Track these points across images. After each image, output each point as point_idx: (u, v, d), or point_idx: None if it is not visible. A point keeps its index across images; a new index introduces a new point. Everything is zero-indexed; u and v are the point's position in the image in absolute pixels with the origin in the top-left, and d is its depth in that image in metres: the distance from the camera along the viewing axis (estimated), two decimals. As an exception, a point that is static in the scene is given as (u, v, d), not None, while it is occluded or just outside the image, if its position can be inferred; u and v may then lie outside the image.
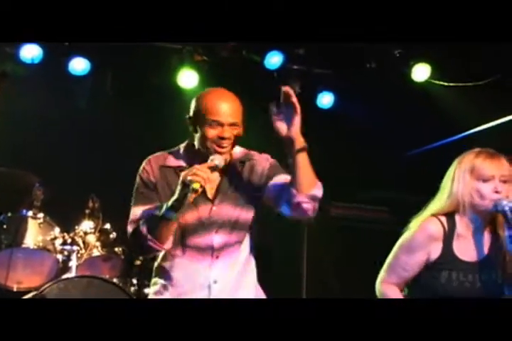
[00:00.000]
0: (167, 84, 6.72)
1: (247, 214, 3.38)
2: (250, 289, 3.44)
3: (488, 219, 3.38)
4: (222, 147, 3.26)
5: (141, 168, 3.39)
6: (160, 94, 6.77)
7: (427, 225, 3.39)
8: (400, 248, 3.44)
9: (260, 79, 6.63)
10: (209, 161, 3.21)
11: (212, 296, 3.31)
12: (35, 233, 5.69)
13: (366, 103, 6.83)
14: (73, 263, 5.59)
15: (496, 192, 3.29)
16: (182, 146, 3.44)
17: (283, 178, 3.34)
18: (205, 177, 3.12)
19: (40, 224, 5.72)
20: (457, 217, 3.39)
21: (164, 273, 3.39)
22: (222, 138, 3.25)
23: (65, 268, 5.64)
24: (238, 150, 3.45)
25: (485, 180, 3.31)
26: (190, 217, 3.30)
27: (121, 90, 6.74)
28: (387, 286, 3.46)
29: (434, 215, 3.41)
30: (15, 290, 5.60)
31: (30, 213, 5.72)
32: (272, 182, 3.36)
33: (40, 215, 5.73)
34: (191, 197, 3.12)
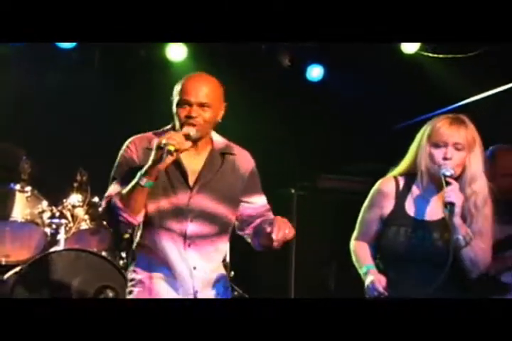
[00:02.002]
0: (155, 57, 6.68)
1: (225, 210, 3.42)
2: (221, 286, 3.48)
3: (440, 184, 3.44)
4: (192, 126, 3.29)
5: (125, 147, 3.41)
6: (148, 67, 6.73)
7: (381, 184, 3.58)
8: (363, 206, 3.63)
9: (249, 52, 6.60)
10: (183, 129, 3.26)
11: (193, 283, 3.36)
12: (22, 206, 5.67)
13: (356, 75, 6.80)
14: (61, 236, 5.59)
15: (445, 158, 3.39)
16: (166, 129, 3.44)
17: (259, 208, 3.50)
18: (179, 141, 3.17)
19: (27, 197, 5.69)
20: (416, 178, 3.51)
21: (142, 253, 3.42)
22: (190, 117, 3.28)
23: (53, 241, 5.63)
24: (219, 140, 3.50)
25: (437, 146, 3.42)
26: (168, 201, 3.34)
27: (108, 63, 6.69)
28: (356, 243, 3.65)
29: (394, 175, 3.57)
30: (3, 263, 5.59)
31: (17, 186, 5.70)
32: (247, 206, 3.48)
33: (28, 188, 5.70)
34: (167, 160, 3.15)
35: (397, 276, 3.48)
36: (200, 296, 3.38)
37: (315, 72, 7.02)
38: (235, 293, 5.23)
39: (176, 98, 3.33)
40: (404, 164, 3.56)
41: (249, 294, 5.48)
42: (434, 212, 3.48)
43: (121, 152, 3.41)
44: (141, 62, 6.70)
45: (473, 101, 6.25)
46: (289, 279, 5.96)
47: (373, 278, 3.44)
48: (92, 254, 5.33)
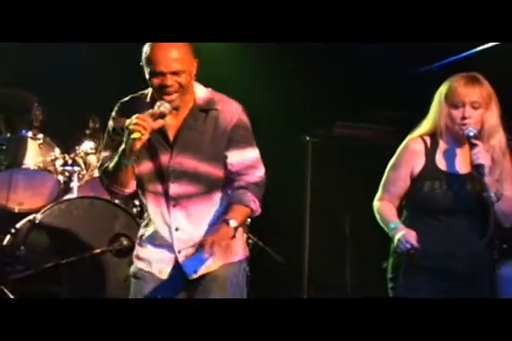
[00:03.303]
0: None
1: (209, 168, 3.38)
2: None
3: (463, 142, 3.61)
4: (169, 95, 3.26)
5: (113, 112, 3.40)
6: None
7: (409, 143, 3.69)
8: (388, 166, 3.73)
9: None
10: (155, 108, 3.24)
11: (175, 244, 3.38)
12: (35, 154, 5.65)
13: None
14: (74, 184, 5.58)
15: (464, 118, 3.53)
16: (149, 93, 3.40)
17: (236, 165, 3.38)
18: (145, 125, 3.15)
19: (40, 144, 5.67)
20: (441, 136, 3.65)
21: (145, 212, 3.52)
22: (165, 87, 3.24)
23: (67, 189, 5.63)
24: (202, 94, 3.42)
25: (456, 106, 3.55)
26: (150, 163, 3.36)
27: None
28: (381, 203, 3.74)
29: (420, 135, 3.68)
30: (16, 211, 5.61)
31: (29, 134, 5.67)
32: (228, 162, 3.38)
33: (40, 136, 5.67)
34: (136, 145, 3.17)
35: (435, 228, 3.59)
36: (182, 254, 3.37)
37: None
38: (250, 240, 5.23)
39: (146, 68, 3.26)
40: (426, 124, 3.68)
41: (264, 242, 5.51)
42: (463, 165, 3.62)
43: (111, 116, 3.41)
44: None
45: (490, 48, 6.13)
46: (304, 227, 5.96)
47: (404, 232, 3.53)
48: (106, 202, 5.32)
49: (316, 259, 6.03)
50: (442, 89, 3.62)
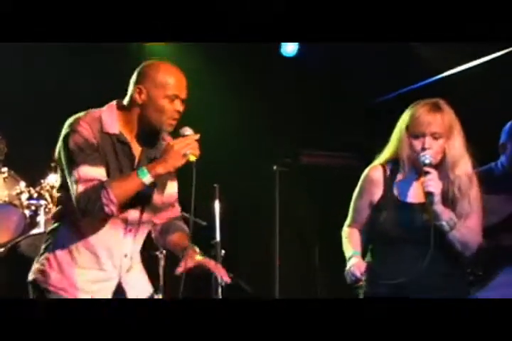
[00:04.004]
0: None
1: (157, 196, 3.42)
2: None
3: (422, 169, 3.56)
4: (174, 120, 3.31)
5: (76, 127, 3.22)
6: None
7: (369, 172, 3.70)
8: (354, 194, 3.76)
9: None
10: (187, 133, 3.28)
11: (121, 270, 3.38)
12: (-1, 188, 5.58)
13: (331, 49, 6.73)
14: (41, 217, 5.49)
15: (423, 149, 3.50)
16: (114, 108, 3.35)
17: (169, 197, 3.53)
18: (197, 148, 3.25)
19: (4, 178, 5.56)
20: (400, 166, 3.63)
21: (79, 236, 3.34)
22: (177, 111, 3.30)
23: (33, 223, 5.53)
24: None
25: (416, 136, 3.52)
26: None
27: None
28: (347, 230, 3.79)
29: (381, 163, 3.69)
30: (-19, 246, 5.51)
31: (-7, 167, 5.60)
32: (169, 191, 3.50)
33: (5, 169, 5.57)
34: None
35: (391, 258, 3.57)
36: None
37: (290, 48, 6.98)
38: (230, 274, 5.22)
39: (156, 89, 3.26)
40: (388, 152, 3.67)
41: (239, 272, 5.48)
42: (420, 195, 3.57)
43: (72, 133, 3.22)
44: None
45: (451, 75, 6.23)
46: (274, 257, 5.95)
47: (353, 263, 3.58)
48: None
49: (286, 290, 6.00)
50: (404, 117, 3.60)
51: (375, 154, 3.76)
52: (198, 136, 3.26)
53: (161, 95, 3.26)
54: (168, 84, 3.27)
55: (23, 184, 5.60)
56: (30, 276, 3.37)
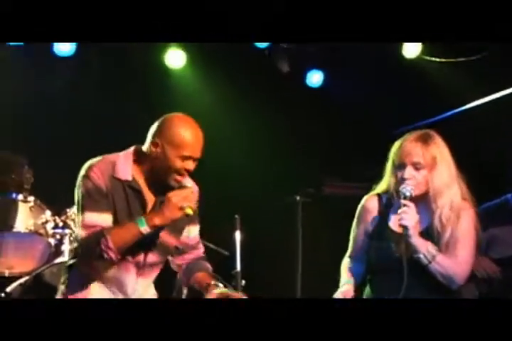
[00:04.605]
0: (154, 64, 6.65)
1: (173, 240, 3.50)
2: None
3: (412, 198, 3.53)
4: (181, 176, 3.35)
5: (89, 172, 3.36)
6: (147, 74, 6.70)
7: (365, 201, 3.72)
8: (352, 224, 3.78)
9: (251, 57, 6.59)
10: (188, 185, 3.35)
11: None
12: (25, 217, 5.61)
13: (356, 80, 6.78)
14: (66, 246, 5.54)
15: (403, 179, 3.47)
16: (131, 155, 3.42)
17: (193, 239, 3.63)
18: (194, 201, 3.36)
19: (31, 207, 5.64)
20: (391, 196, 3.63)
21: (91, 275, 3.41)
22: (187, 170, 3.35)
23: (58, 252, 5.58)
24: None
25: (399, 166, 3.50)
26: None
27: (106, 70, 6.65)
28: (345, 259, 3.78)
29: (378, 192, 3.70)
30: (7, 275, 5.54)
31: (20, 196, 5.64)
32: (185, 235, 3.57)
33: (31, 198, 5.64)
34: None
35: (380, 288, 3.60)
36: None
37: (315, 78, 7.00)
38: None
39: (173, 148, 3.31)
40: (383, 182, 3.68)
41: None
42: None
43: (84, 178, 3.37)
44: (140, 70, 6.66)
45: (475, 106, 6.23)
46: (296, 288, 5.93)
47: (341, 290, 3.60)
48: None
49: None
50: (393, 148, 3.60)
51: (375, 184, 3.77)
52: (197, 189, 3.36)
53: (174, 154, 3.31)
54: (183, 144, 3.31)
55: (48, 213, 5.67)
56: None
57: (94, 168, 3.34)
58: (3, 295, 5.21)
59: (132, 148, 3.45)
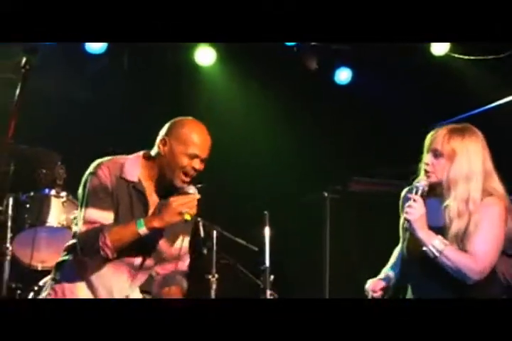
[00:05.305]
0: (184, 62, 6.72)
1: (167, 246, 3.53)
2: None
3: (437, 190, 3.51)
4: (188, 177, 3.39)
5: (97, 170, 3.41)
6: (177, 71, 6.76)
7: (405, 191, 3.65)
8: None
9: (279, 54, 6.62)
10: (190, 191, 3.36)
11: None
12: (58, 212, 5.68)
13: (384, 78, 6.80)
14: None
15: (426, 164, 3.46)
16: (140, 158, 3.49)
17: (178, 249, 3.58)
18: (195, 207, 3.33)
19: (63, 202, 5.69)
20: None
21: (81, 272, 3.46)
22: (194, 170, 3.39)
23: (89, 246, 5.65)
24: None
25: (425, 152, 3.48)
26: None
27: (137, 68, 6.72)
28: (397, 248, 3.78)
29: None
30: (39, 269, 5.63)
31: (53, 192, 5.71)
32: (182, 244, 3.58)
33: (63, 194, 5.70)
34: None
35: (406, 278, 3.61)
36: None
37: (343, 75, 7.03)
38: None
39: (180, 146, 3.37)
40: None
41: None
42: (437, 218, 3.48)
43: (92, 175, 3.42)
44: (170, 68, 6.73)
45: (504, 104, 6.22)
46: (324, 282, 5.97)
47: (374, 279, 3.65)
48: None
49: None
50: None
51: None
52: (198, 196, 3.35)
53: (181, 151, 3.37)
54: (191, 142, 3.37)
55: (80, 208, 5.74)
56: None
57: (103, 167, 3.40)
58: (36, 288, 5.30)
59: (142, 152, 3.52)
